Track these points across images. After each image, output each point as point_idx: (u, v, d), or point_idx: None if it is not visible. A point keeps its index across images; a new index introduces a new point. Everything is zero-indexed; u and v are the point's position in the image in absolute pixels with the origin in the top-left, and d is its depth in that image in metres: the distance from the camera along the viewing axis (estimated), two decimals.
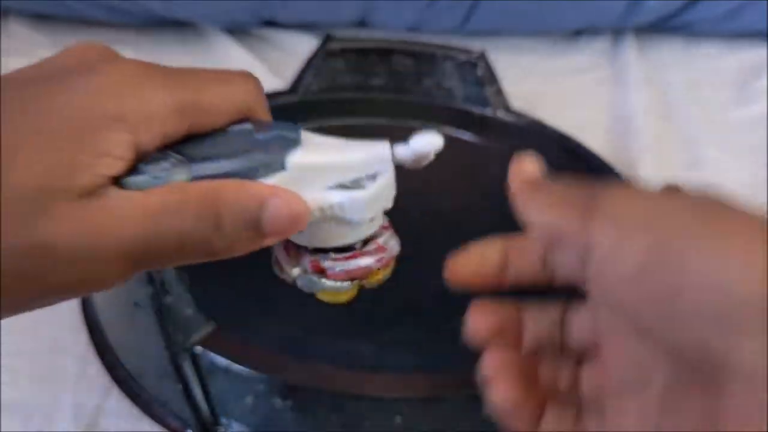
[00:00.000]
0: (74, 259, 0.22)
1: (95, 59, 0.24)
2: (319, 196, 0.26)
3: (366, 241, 0.29)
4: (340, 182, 0.26)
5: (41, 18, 0.84)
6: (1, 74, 0.24)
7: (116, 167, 0.22)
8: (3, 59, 0.76)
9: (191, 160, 0.24)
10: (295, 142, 0.26)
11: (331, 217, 0.26)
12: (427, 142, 0.27)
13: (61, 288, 0.23)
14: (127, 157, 0.23)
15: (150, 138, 0.23)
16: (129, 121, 0.23)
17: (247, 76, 0.26)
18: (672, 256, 0.21)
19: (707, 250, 0.21)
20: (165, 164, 0.24)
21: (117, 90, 0.23)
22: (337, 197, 0.26)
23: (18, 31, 0.82)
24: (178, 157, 0.24)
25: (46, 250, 0.21)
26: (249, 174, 0.25)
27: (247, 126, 0.26)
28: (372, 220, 0.28)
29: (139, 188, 0.23)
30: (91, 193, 0.22)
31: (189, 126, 0.24)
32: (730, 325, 0.20)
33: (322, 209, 0.26)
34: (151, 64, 0.25)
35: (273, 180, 0.25)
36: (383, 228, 0.29)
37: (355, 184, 0.26)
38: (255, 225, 0.24)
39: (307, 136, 0.26)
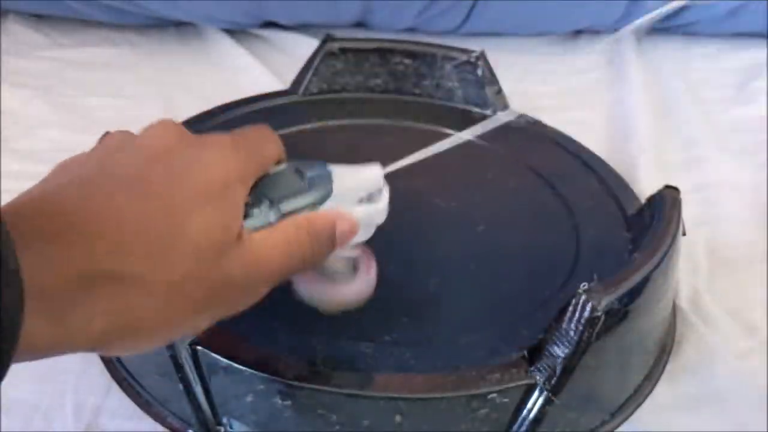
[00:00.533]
0: (244, 285, 0.30)
1: (181, 137, 0.31)
2: (350, 210, 0.36)
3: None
4: (360, 198, 0.37)
5: (41, 18, 0.84)
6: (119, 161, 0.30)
7: (242, 214, 0.31)
8: (3, 59, 0.76)
9: (273, 200, 0.33)
10: (330, 176, 0.36)
11: (362, 225, 0.36)
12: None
13: (228, 308, 0.31)
14: (243, 204, 0.31)
15: (249, 188, 0.32)
16: (243, 179, 0.31)
17: (271, 131, 0.35)
18: None
19: None
20: (262, 207, 0.32)
21: (224, 157, 0.31)
22: (365, 210, 0.37)
23: (18, 31, 0.82)
24: (266, 201, 0.33)
25: (228, 281, 0.29)
26: (315, 205, 0.35)
27: (284, 166, 0.35)
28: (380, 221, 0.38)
29: (255, 228, 0.31)
30: (240, 237, 0.30)
31: (261, 174, 0.33)
32: None
33: (360, 219, 0.36)
34: (219, 134, 0.32)
35: (328, 205, 0.35)
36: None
37: (370, 198, 0.37)
38: (333, 241, 0.35)
39: (332, 168, 0.36)
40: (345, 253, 0.38)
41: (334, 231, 0.34)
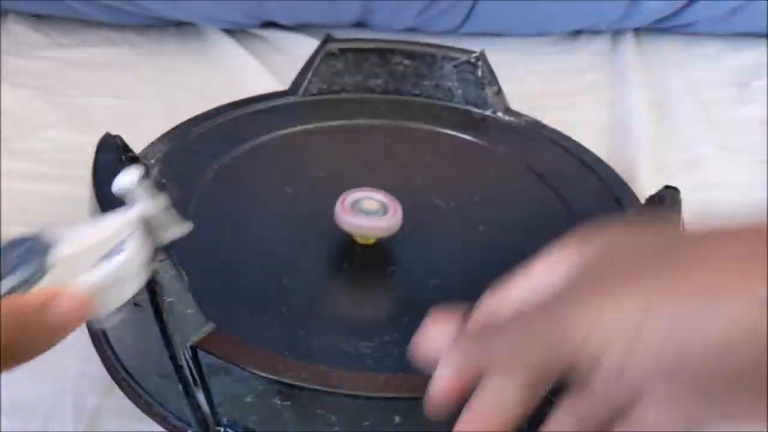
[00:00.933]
0: None
1: None
2: (92, 273, 0.31)
3: None
4: (104, 254, 0.32)
5: (41, 18, 0.84)
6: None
7: None
8: (3, 59, 0.76)
9: None
10: (47, 246, 0.30)
11: (112, 284, 0.32)
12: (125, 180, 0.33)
13: None
14: None
15: None
16: None
17: None
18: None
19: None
20: None
21: None
22: (106, 268, 0.31)
23: (18, 31, 0.82)
24: None
25: None
26: (23, 287, 0.29)
27: None
28: (145, 265, 0.34)
29: None
30: None
31: None
32: None
33: (101, 282, 0.31)
34: None
35: (46, 282, 0.29)
36: None
37: (117, 250, 0.32)
38: (51, 323, 0.29)
39: (58, 233, 0.31)
40: (111, 319, 0.33)
41: (48, 313, 0.29)
